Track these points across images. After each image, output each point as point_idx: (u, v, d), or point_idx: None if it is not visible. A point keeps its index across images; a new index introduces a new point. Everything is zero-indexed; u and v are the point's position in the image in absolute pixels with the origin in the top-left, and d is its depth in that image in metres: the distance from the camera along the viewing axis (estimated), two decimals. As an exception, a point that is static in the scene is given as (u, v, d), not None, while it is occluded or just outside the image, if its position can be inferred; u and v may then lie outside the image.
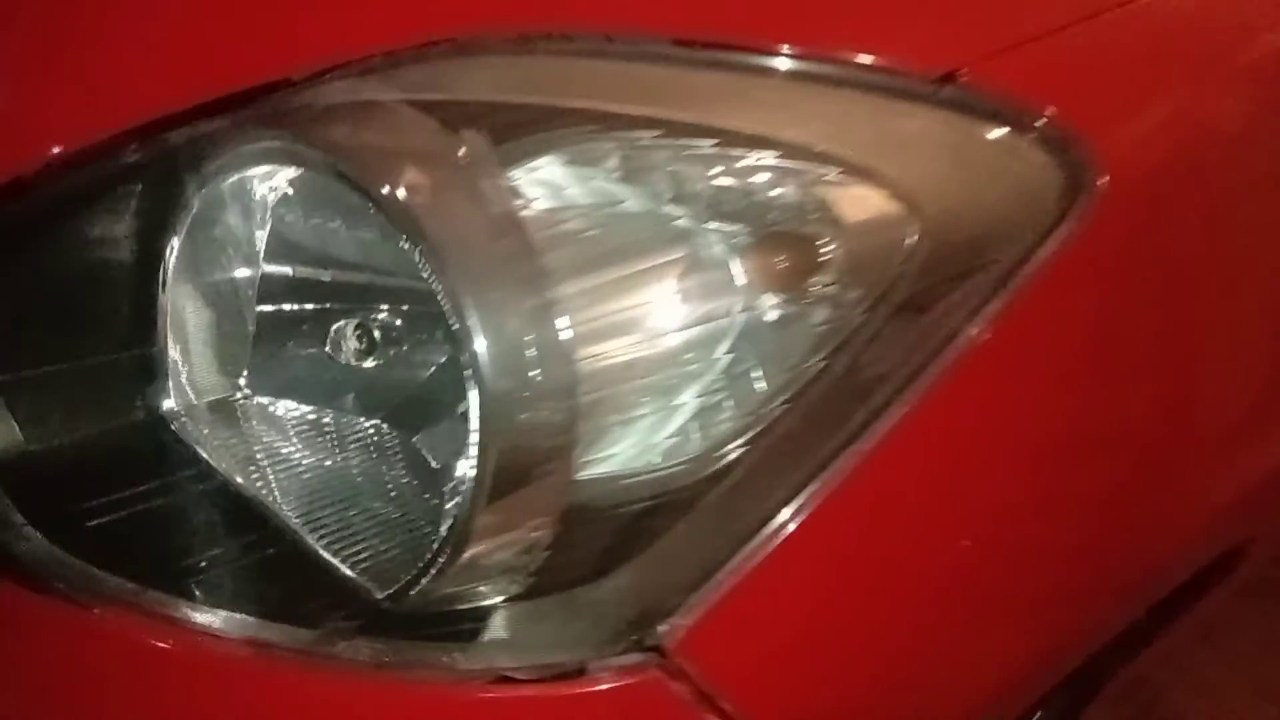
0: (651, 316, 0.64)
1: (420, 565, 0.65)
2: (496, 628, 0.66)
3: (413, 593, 0.64)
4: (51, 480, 0.73)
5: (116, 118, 0.70)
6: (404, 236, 0.60)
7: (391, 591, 0.66)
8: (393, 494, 0.76)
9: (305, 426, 0.79)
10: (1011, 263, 0.65)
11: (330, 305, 0.81)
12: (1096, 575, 0.83)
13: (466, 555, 0.62)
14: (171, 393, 0.77)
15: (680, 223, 0.63)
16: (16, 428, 0.74)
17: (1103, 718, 1.24)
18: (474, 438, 0.60)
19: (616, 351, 0.64)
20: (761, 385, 0.64)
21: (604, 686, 0.64)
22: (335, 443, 0.78)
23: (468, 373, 0.59)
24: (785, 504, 0.64)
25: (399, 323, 0.81)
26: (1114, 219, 0.68)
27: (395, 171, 0.60)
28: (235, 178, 0.71)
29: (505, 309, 0.59)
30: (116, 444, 0.76)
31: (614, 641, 0.64)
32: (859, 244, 0.62)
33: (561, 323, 0.60)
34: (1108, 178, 0.68)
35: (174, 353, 0.76)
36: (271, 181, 0.74)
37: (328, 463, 0.77)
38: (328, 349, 0.81)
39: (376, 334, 0.80)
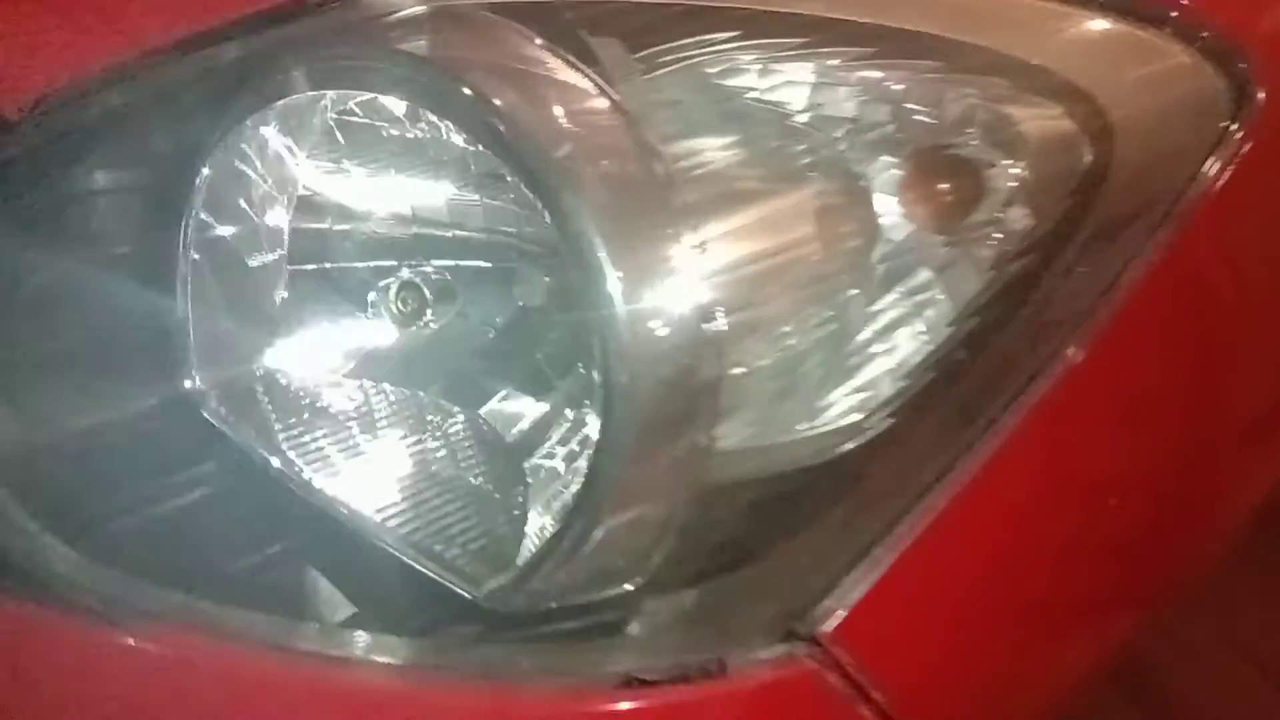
0: (790, 264, 0.55)
1: (532, 555, 0.56)
2: (620, 625, 0.57)
3: (529, 587, 0.55)
4: (61, 478, 0.62)
5: (125, 39, 0.59)
6: (512, 164, 0.51)
7: (496, 587, 0.57)
8: (463, 476, 0.66)
9: (350, 402, 0.69)
10: (1182, 184, 0.58)
11: (370, 263, 0.70)
12: (1169, 556, 0.78)
13: (592, 543, 0.53)
14: (194, 369, 0.65)
15: (823, 152, 0.55)
16: (15, 418, 0.62)
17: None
18: (603, 396, 0.51)
19: (751, 305, 0.55)
20: (920, 340, 0.56)
21: (750, 684, 0.56)
22: (387, 420, 0.68)
23: (597, 316, 0.49)
24: (946, 471, 0.56)
25: (448, 280, 0.71)
26: (1270, 138, 0.62)
27: (509, 85, 0.50)
28: (273, 111, 0.60)
29: (643, 242, 0.50)
30: (134, 432, 0.65)
31: (760, 634, 0.55)
32: (1034, 168, 0.54)
33: (703, 265, 0.52)
34: (1264, 94, 0.62)
35: (196, 322, 0.65)
36: (312, 117, 0.63)
37: (380, 443, 0.67)
38: (369, 313, 0.70)
39: (427, 293, 0.70)
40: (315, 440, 0.66)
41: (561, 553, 0.53)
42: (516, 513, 0.63)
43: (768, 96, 0.54)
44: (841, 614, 0.56)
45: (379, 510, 0.62)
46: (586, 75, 0.51)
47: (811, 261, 0.56)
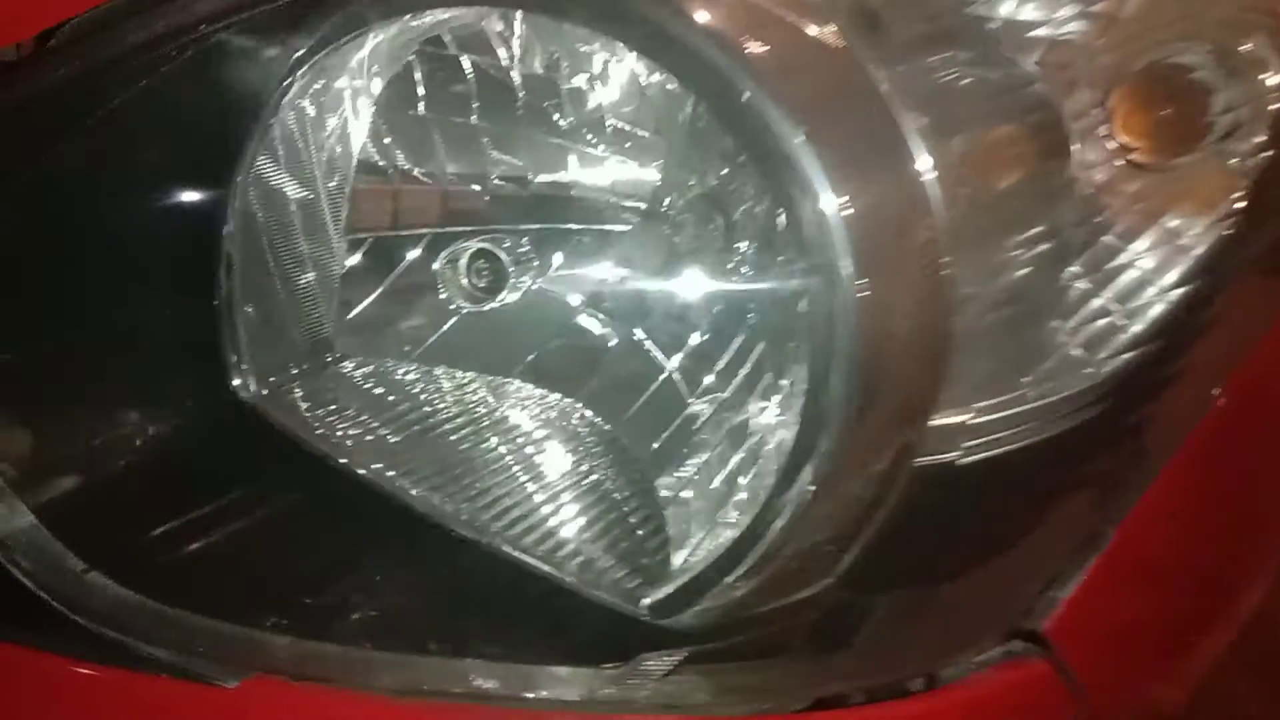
0: (983, 214, 0.48)
1: (707, 566, 0.47)
2: (807, 638, 0.49)
3: (702, 601, 0.46)
4: (99, 504, 0.50)
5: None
6: (692, 78, 0.41)
7: (659, 601, 0.47)
8: (581, 472, 0.56)
9: (433, 393, 0.59)
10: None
11: (442, 230, 0.60)
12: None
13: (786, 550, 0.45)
14: (244, 364, 0.54)
15: (1026, 85, 0.47)
16: (35, 435, 0.50)
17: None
18: (818, 365, 0.41)
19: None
20: (1137, 302, 0.48)
21: (968, 695, 0.48)
22: (481, 413, 0.58)
23: (814, 261, 0.40)
24: (1172, 446, 0.49)
25: (529, 247, 0.61)
26: None
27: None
28: (341, 46, 0.49)
29: (864, 168, 0.41)
30: (177, 443, 0.53)
31: (976, 636, 0.48)
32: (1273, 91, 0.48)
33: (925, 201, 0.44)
34: None
35: (242, 307, 0.54)
36: (391, 50, 0.53)
37: (476, 438, 0.57)
38: (441, 288, 0.60)
39: (506, 262, 0.60)
40: (398, 440, 0.56)
41: (749, 564, 0.45)
42: (652, 512, 0.54)
43: (981, 11, 0.46)
44: (1063, 606, 0.49)
45: (494, 519, 0.52)
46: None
47: (1005, 209, 0.49)
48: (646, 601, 0.48)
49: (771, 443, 0.49)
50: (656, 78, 0.54)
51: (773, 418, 0.51)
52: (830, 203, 0.40)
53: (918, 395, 0.43)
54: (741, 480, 0.50)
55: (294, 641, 0.45)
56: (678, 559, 0.51)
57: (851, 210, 0.40)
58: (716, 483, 0.52)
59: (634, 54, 0.54)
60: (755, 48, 0.41)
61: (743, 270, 0.56)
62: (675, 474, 0.55)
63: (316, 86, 0.51)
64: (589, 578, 0.50)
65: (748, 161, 0.42)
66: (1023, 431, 0.47)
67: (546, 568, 0.50)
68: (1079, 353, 0.48)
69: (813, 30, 0.42)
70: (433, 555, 0.51)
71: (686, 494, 0.54)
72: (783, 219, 0.45)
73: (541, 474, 0.56)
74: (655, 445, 0.57)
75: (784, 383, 0.51)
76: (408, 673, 0.45)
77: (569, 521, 0.53)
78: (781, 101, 0.40)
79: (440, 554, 0.51)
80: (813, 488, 0.42)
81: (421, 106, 0.55)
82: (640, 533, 0.53)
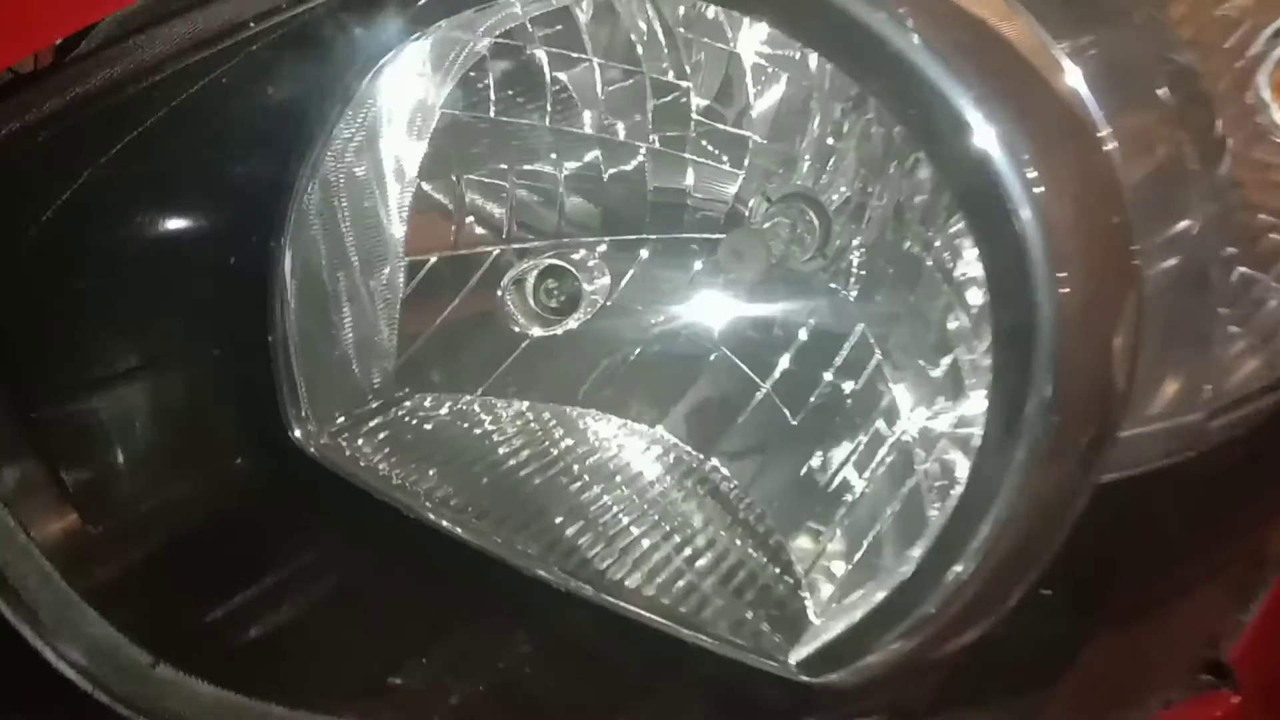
0: (1159, 197, 0.43)
1: (866, 616, 0.41)
2: (973, 693, 0.43)
3: (859, 658, 0.41)
4: (148, 583, 0.44)
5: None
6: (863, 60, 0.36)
7: (808, 657, 0.42)
8: (685, 514, 0.50)
9: (498, 428, 0.52)
10: None
11: (507, 245, 0.54)
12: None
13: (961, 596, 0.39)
14: (304, 412, 0.48)
15: (1186, 66, 0.43)
16: (70, 507, 0.43)
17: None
18: (1008, 373, 0.36)
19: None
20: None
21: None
22: (552, 448, 0.51)
23: (1006, 244, 0.35)
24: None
25: (601, 262, 0.55)
26: None
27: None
28: (426, 37, 0.43)
29: (1055, 145, 0.36)
30: (236, 506, 0.47)
31: (1167, 677, 0.43)
32: None
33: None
34: None
35: (300, 346, 0.47)
36: (461, 48, 0.46)
37: (550, 476, 0.50)
38: (507, 312, 0.54)
39: (580, 280, 0.53)
40: (474, 484, 0.50)
41: (925, 610, 0.39)
42: (771, 554, 0.48)
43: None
44: (1247, 630, 0.44)
45: (598, 572, 0.46)
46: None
47: (1158, 200, 0.44)
48: (796, 659, 0.42)
49: (924, 461, 0.44)
50: (754, 60, 0.49)
51: (918, 432, 0.45)
52: (1011, 178, 0.35)
53: (1113, 404, 0.38)
54: (887, 512, 0.44)
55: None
56: (816, 607, 0.45)
57: (1043, 188, 0.35)
58: (855, 516, 0.46)
59: (728, 39, 0.50)
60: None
61: (853, 271, 0.50)
62: (797, 506, 0.50)
63: (389, 84, 0.45)
64: (715, 631, 0.45)
65: (921, 149, 0.37)
66: (1213, 441, 0.42)
67: (661, 620, 0.44)
68: (1262, 359, 0.43)
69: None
70: (535, 611, 0.45)
71: (808, 538, 0.48)
72: (941, 202, 0.40)
73: (632, 516, 0.50)
74: (769, 480, 0.51)
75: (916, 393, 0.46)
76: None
77: (677, 568, 0.47)
78: (960, 78, 0.34)
79: (542, 611, 0.45)
80: (1006, 510, 0.37)
81: (490, 110, 0.49)
82: (755, 578, 0.47)
